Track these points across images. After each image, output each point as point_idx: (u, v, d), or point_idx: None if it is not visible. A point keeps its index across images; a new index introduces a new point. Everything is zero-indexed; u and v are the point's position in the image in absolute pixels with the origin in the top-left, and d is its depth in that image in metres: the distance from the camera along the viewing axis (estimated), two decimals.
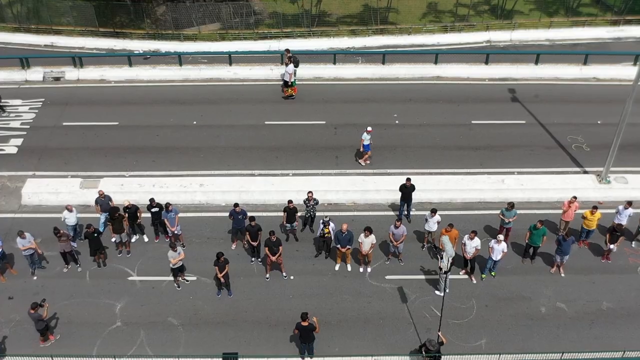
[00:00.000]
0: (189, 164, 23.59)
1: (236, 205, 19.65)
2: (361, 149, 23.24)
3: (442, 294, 18.02)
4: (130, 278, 19.51)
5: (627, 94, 21.00)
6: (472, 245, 18.77)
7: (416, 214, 21.36)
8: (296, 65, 27.25)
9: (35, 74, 28.73)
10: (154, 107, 26.73)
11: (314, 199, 20.28)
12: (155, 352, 17.20)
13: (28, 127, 25.57)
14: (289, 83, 27.02)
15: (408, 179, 20.62)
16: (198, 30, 34.33)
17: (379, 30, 33.97)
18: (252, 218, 19.10)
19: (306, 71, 28.75)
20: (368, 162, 23.48)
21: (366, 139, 22.91)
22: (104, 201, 20.31)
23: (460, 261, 19.48)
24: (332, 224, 19.44)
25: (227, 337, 17.81)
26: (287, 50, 27.44)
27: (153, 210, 20.04)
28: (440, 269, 17.89)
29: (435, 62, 29.08)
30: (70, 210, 19.94)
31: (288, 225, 20.18)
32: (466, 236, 18.83)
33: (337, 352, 17.25)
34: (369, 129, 22.90)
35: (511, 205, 19.75)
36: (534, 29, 33.77)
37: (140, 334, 17.89)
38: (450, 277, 18.41)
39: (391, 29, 33.99)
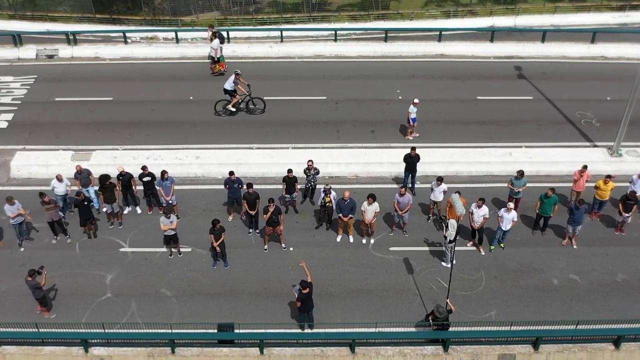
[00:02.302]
0: (185, 138, 22.71)
1: (231, 173, 18.77)
2: (409, 123, 22.34)
3: (449, 265, 17.16)
4: (121, 249, 18.63)
5: (637, 71, 20.19)
6: (480, 213, 17.88)
7: (421, 187, 20.55)
8: (222, 42, 26.52)
9: (28, 51, 27.92)
10: (149, 83, 25.92)
11: (315, 169, 19.43)
12: (147, 322, 16.24)
13: (19, 102, 24.74)
14: (216, 59, 26.24)
15: (413, 149, 19.77)
16: (196, 17, 33.69)
17: (381, 15, 33.28)
18: (250, 185, 18.25)
19: (306, 49, 28.06)
20: (417, 134, 22.68)
21: (413, 111, 21.98)
22: (82, 176, 19.23)
23: (467, 232, 18.65)
24: (333, 193, 18.59)
25: (223, 308, 16.92)
26: (211, 26, 26.55)
27: (145, 179, 19.19)
28: (445, 237, 17.00)
29: (439, 40, 28.34)
30: (60, 180, 19.01)
31: (288, 196, 19.32)
32: (474, 204, 17.95)
33: (338, 324, 16.34)
34: (416, 100, 22.01)
35: (520, 174, 18.90)
36: (538, 14, 33.03)
37: (132, 305, 17.02)
38: (458, 248, 17.53)
39: (393, 14, 33.31)
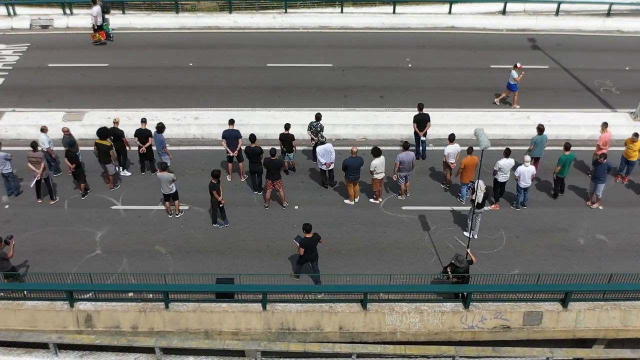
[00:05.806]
0: (184, 102, 21.49)
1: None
2: (509, 89, 20.82)
3: (469, 236, 15.51)
4: (113, 207, 17.35)
5: None
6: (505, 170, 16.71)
7: (434, 150, 19.31)
8: (105, 11, 25.22)
9: (22, 21, 26.78)
10: (147, 51, 24.80)
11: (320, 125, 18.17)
12: (139, 279, 14.90)
13: (10, 68, 23.55)
14: (96, 27, 24.79)
15: (420, 104, 18.55)
16: (197, 2, 32.70)
17: None
18: (253, 136, 17.14)
19: (311, 20, 27.05)
20: (517, 105, 21.15)
21: (514, 75, 20.43)
22: (69, 139, 17.76)
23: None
24: (320, 148, 17.26)
25: (222, 265, 15.58)
26: None
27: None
28: (472, 201, 15.59)
29: (449, 12, 27.31)
30: (43, 131, 17.69)
31: (289, 155, 18.14)
32: None
33: (348, 281, 14.94)
34: (519, 64, 20.44)
35: (540, 130, 17.68)
36: None
37: (123, 261, 15.70)
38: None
39: None
